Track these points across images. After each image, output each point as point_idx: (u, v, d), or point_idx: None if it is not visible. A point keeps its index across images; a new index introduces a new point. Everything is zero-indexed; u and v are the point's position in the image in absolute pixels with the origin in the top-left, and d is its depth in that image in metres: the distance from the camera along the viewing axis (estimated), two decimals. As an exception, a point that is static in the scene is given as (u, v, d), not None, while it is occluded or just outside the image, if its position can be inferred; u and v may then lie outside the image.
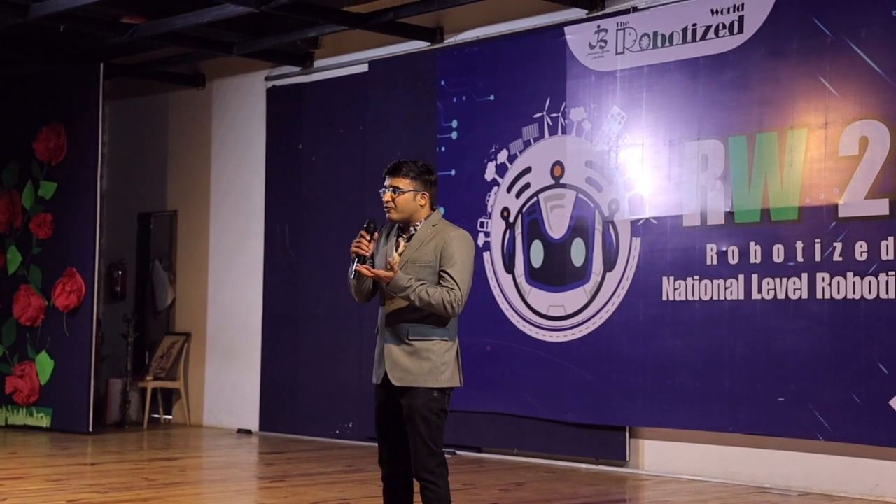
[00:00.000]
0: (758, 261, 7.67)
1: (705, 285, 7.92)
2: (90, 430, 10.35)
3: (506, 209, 9.04)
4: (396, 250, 4.81)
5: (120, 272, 12.31)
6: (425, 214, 4.83)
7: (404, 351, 4.76)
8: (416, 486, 4.85)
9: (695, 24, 8.02)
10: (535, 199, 8.88)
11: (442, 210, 9.32)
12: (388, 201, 4.80)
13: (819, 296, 7.39)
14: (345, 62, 10.39)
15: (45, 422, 10.75)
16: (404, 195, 4.78)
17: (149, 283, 12.18)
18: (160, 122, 12.12)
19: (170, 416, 11.73)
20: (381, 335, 4.85)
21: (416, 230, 4.81)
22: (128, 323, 11.45)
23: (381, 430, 4.90)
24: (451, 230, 4.81)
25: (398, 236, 4.86)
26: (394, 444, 4.84)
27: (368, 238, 4.78)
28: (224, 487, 7.99)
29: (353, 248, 4.78)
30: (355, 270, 4.78)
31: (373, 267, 4.83)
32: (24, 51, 11.06)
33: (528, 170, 8.92)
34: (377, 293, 4.90)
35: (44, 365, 10.80)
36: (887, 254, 7.13)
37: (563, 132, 8.72)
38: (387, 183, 4.81)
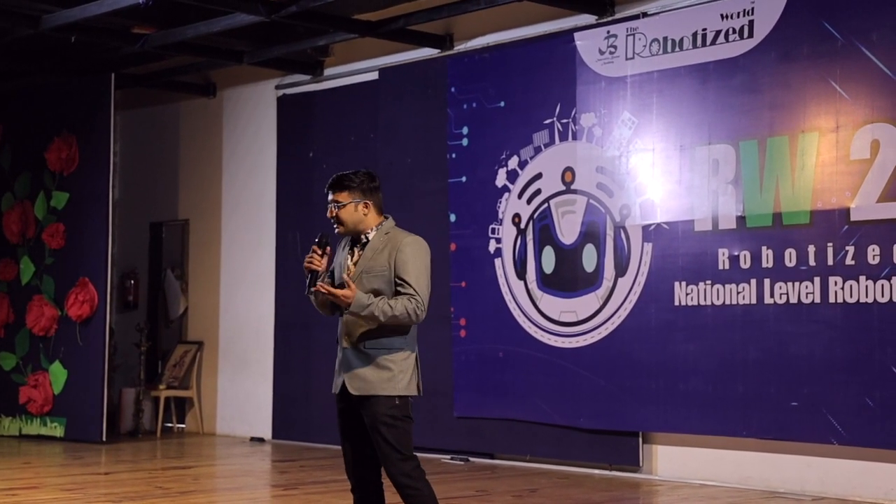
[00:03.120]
0: (770, 265, 7.66)
1: (717, 290, 7.91)
2: (104, 439, 10.35)
3: (517, 215, 9.05)
4: (350, 259, 4.81)
5: (132, 281, 12.33)
6: (374, 223, 4.83)
7: (362, 361, 4.75)
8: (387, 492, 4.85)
9: (705, 29, 8.02)
10: (546, 205, 8.88)
11: (450, 217, 9.34)
12: (331, 217, 4.83)
13: (832, 300, 7.37)
14: (355, 70, 10.41)
15: (58, 431, 10.77)
16: (345, 208, 4.80)
17: (161, 292, 12.19)
18: (171, 131, 12.15)
19: (183, 425, 11.74)
20: (340, 345, 4.84)
21: (367, 239, 4.81)
22: (140, 332, 11.46)
23: (343, 438, 4.88)
24: (404, 237, 4.80)
25: (352, 247, 4.86)
26: (357, 453, 4.83)
27: (321, 253, 4.79)
28: (238, 496, 7.99)
29: (306, 264, 4.79)
30: (310, 284, 4.77)
31: (332, 280, 4.85)
32: (36, 62, 11.11)
33: (538, 176, 8.92)
34: (338, 306, 4.87)
35: (57, 375, 10.82)
36: (900, 257, 7.12)
37: (574, 138, 8.73)
38: (329, 199, 4.84)
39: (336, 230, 4.87)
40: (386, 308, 4.65)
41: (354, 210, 4.81)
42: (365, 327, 4.74)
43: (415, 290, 4.69)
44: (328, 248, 4.83)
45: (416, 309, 4.68)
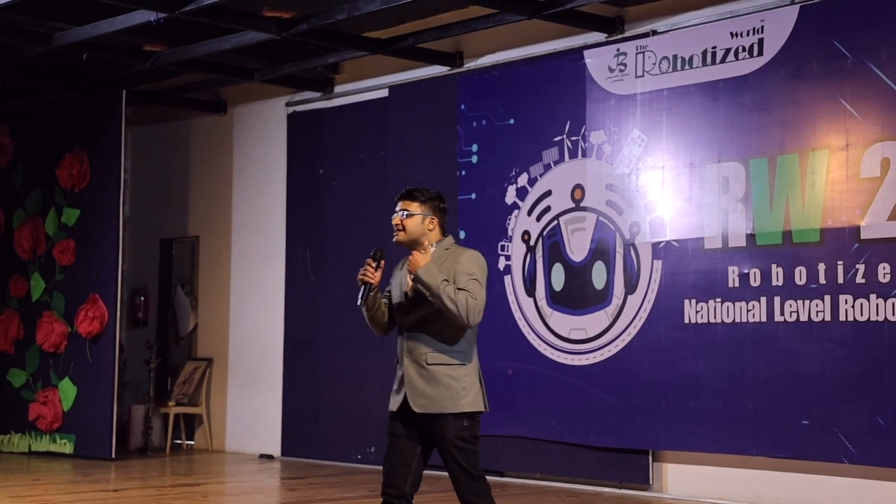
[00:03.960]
0: (780, 283, 7.64)
1: (727, 308, 7.89)
2: (113, 456, 10.35)
3: (526, 232, 9.05)
4: (409, 276, 4.84)
5: (142, 298, 12.34)
6: (435, 239, 4.90)
7: (423, 377, 4.80)
8: None
9: (714, 47, 8.03)
10: (555, 222, 8.88)
11: (459, 234, 9.34)
12: (396, 224, 4.90)
13: (842, 318, 7.35)
14: (365, 87, 10.43)
15: (68, 448, 10.77)
16: (413, 218, 4.88)
17: (171, 309, 12.20)
18: (182, 148, 12.18)
19: (192, 442, 11.73)
20: (400, 362, 4.90)
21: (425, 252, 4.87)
22: (150, 349, 11.47)
23: (390, 452, 4.89)
24: (464, 251, 4.90)
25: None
26: (401, 468, 4.85)
27: (375, 266, 4.85)
28: (247, 513, 8.00)
29: (360, 276, 4.85)
30: (362, 296, 4.84)
31: (389, 301, 4.93)
32: (48, 79, 11.15)
33: (548, 193, 8.92)
34: (394, 326, 4.96)
35: (67, 391, 10.83)
36: (910, 275, 7.10)
37: (584, 155, 8.73)
38: (398, 207, 4.92)
39: (395, 237, 4.93)
40: (451, 291, 4.71)
41: (421, 222, 4.89)
42: (426, 346, 4.80)
43: (475, 295, 4.76)
44: (382, 261, 4.90)
45: (475, 308, 4.74)
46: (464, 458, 4.76)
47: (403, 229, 4.89)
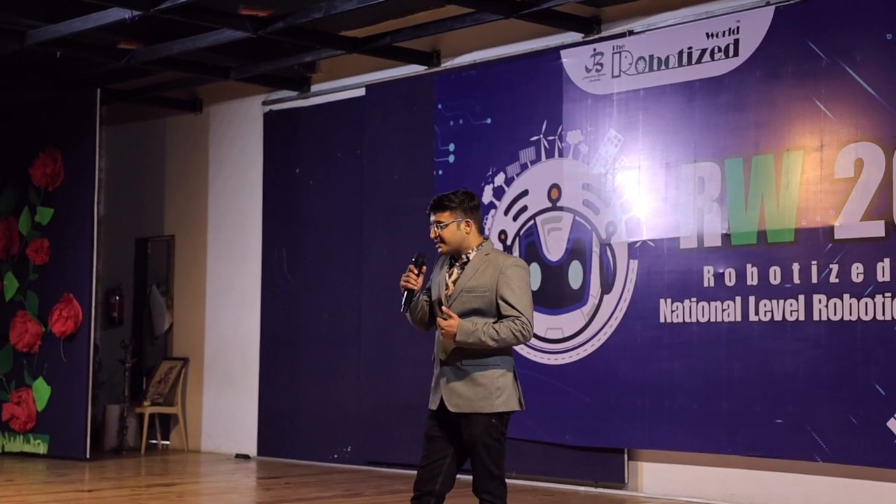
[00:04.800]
0: (755, 283, 7.68)
1: (703, 307, 7.92)
2: (87, 456, 10.29)
3: (503, 232, 9.05)
4: (449, 277, 4.93)
5: (117, 297, 12.28)
6: (476, 242, 4.95)
7: (458, 377, 4.87)
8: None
9: (690, 48, 8.06)
10: (532, 221, 8.89)
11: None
12: (435, 237, 4.95)
13: (816, 317, 7.39)
14: (342, 86, 10.41)
15: (42, 448, 10.70)
16: (448, 228, 4.91)
17: (146, 309, 12.15)
18: (157, 147, 12.12)
19: (167, 442, 11.68)
20: (437, 362, 4.96)
21: (468, 258, 4.93)
22: (125, 348, 11.41)
23: (428, 452, 4.95)
24: (505, 258, 4.94)
25: (451, 265, 4.98)
26: (436, 466, 4.92)
27: (417, 272, 4.92)
28: (222, 513, 7.97)
29: (403, 283, 4.93)
30: (406, 303, 4.92)
31: (429, 297, 5.00)
32: (21, 77, 11.07)
33: (525, 193, 8.93)
34: (434, 322, 5.02)
35: (41, 391, 10.76)
36: (883, 275, 7.14)
37: (560, 155, 8.74)
38: (431, 219, 4.95)
39: (439, 250, 4.98)
40: (492, 332, 4.79)
41: (457, 229, 4.92)
42: (461, 346, 4.84)
43: (519, 311, 4.81)
44: (424, 267, 4.96)
45: (522, 329, 4.81)
46: (488, 455, 4.84)
47: (444, 241, 4.93)
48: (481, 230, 5.00)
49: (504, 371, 4.89)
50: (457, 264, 4.96)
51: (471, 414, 4.84)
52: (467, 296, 4.85)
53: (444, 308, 4.87)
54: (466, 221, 4.92)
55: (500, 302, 4.82)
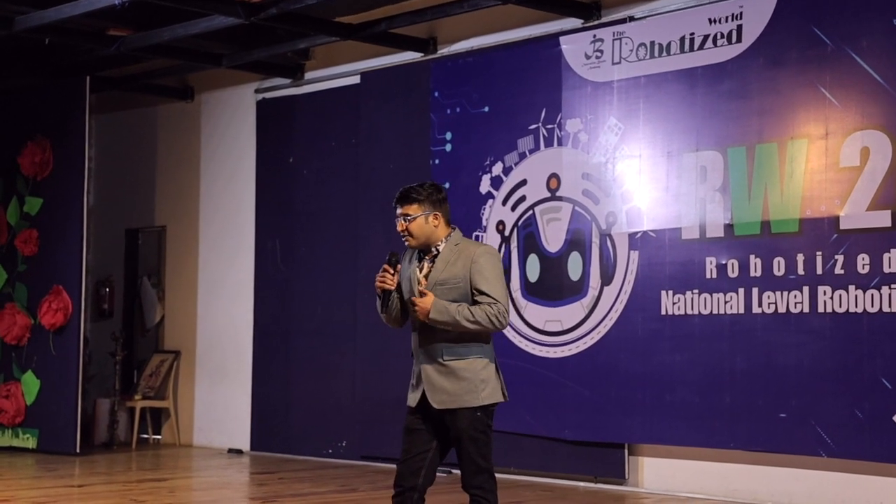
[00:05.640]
0: (758, 274, 7.56)
1: (705, 299, 7.81)
2: (77, 451, 10.21)
3: (501, 223, 8.93)
4: (420, 272, 4.86)
5: (107, 289, 12.20)
6: (444, 234, 4.89)
7: (440, 372, 4.80)
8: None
9: (692, 34, 7.92)
10: (530, 212, 8.76)
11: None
12: (402, 231, 4.88)
13: (820, 309, 7.29)
14: (336, 74, 10.30)
15: (31, 443, 10.61)
16: (416, 221, 4.84)
17: (137, 301, 12.07)
18: (148, 135, 12.01)
19: (159, 436, 11.60)
20: (416, 358, 4.89)
21: (438, 251, 4.87)
22: (116, 341, 11.31)
23: (408, 447, 4.89)
24: (476, 247, 4.88)
25: (420, 259, 4.91)
26: (418, 463, 4.86)
27: (392, 272, 4.86)
28: (215, 509, 7.88)
29: (378, 284, 4.87)
30: (384, 304, 4.87)
31: (400, 294, 4.93)
32: (9, 64, 10.98)
33: (523, 182, 8.81)
34: (408, 318, 4.95)
35: (30, 385, 10.67)
36: (890, 266, 7.04)
37: (559, 144, 8.62)
38: (398, 212, 4.88)
39: (406, 243, 4.91)
40: (467, 313, 4.72)
41: (425, 222, 4.85)
42: (441, 340, 4.78)
43: (494, 297, 4.75)
44: (399, 265, 4.90)
45: (498, 315, 4.74)
46: (475, 449, 4.79)
47: (411, 235, 4.86)
48: (449, 222, 4.92)
49: (487, 362, 4.83)
50: (427, 258, 4.89)
51: (456, 409, 4.78)
52: (441, 289, 4.78)
53: (420, 289, 4.79)
54: (434, 214, 4.85)
55: (475, 291, 4.76)
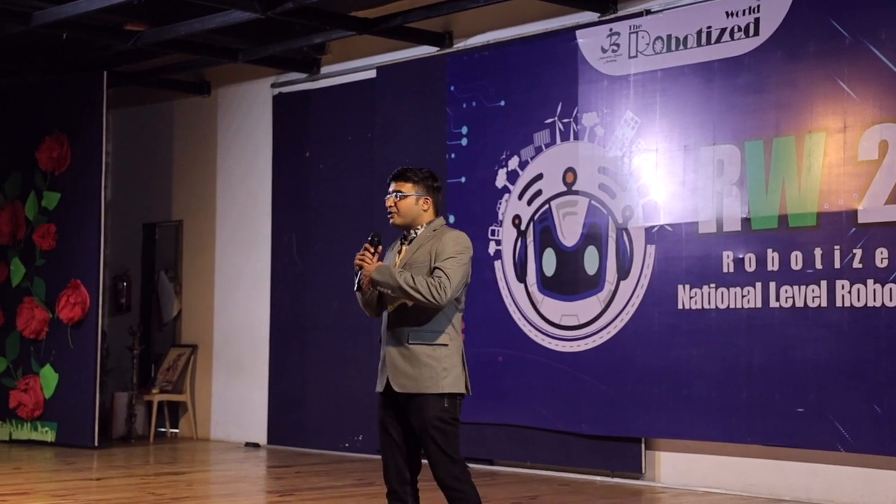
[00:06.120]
0: (775, 268, 7.53)
1: (722, 293, 7.77)
2: (95, 444, 10.23)
3: (517, 217, 8.91)
4: (399, 255, 4.86)
5: (125, 283, 12.22)
6: (428, 219, 4.85)
7: (404, 356, 4.76)
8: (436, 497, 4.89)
9: (709, 27, 7.88)
10: (547, 206, 8.74)
11: (448, 219, 9.20)
12: (390, 206, 4.84)
13: (839, 304, 7.25)
14: (352, 68, 10.29)
15: (49, 436, 10.64)
16: (406, 199, 4.81)
17: (154, 295, 12.08)
18: (165, 130, 12.02)
19: (176, 430, 11.62)
20: (384, 341, 4.87)
21: (416, 234, 4.84)
22: (133, 335, 11.34)
23: (383, 438, 4.87)
24: (449, 232, 4.83)
25: (401, 245, 4.90)
26: (397, 454, 4.82)
27: (372, 251, 4.82)
28: (232, 502, 7.89)
29: (357, 262, 4.82)
30: (359, 282, 4.83)
31: None
32: (26, 59, 11.00)
33: (539, 176, 8.78)
34: (385, 307, 4.91)
35: (48, 378, 10.70)
36: (908, 260, 6.99)
37: (576, 138, 8.59)
38: (391, 188, 4.85)
39: (391, 220, 4.87)
40: (407, 278, 4.66)
41: (415, 203, 4.83)
42: (408, 324, 4.74)
43: (444, 273, 4.69)
44: (380, 247, 4.86)
45: (438, 287, 4.67)
46: (443, 440, 4.69)
47: (398, 212, 4.82)
48: (438, 212, 4.90)
49: (451, 352, 4.78)
50: (406, 242, 4.87)
51: (418, 395, 4.72)
52: (409, 269, 4.75)
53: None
54: (426, 198, 4.83)
55: (433, 268, 4.72)
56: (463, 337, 4.97)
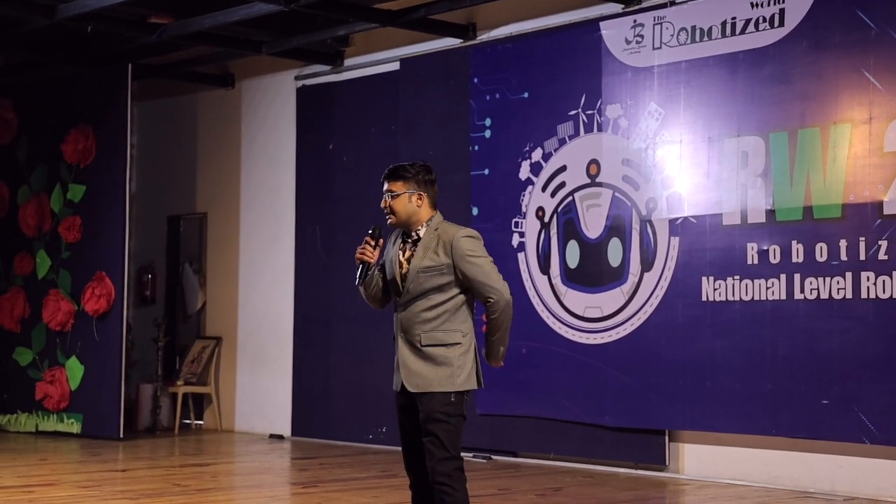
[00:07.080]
0: (800, 260, 7.49)
1: (746, 285, 7.74)
2: (121, 435, 10.28)
3: (541, 209, 8.89)
4: (402, 255, 4.79)
5: (150, 276, 12.26)
6: (426, 216, 4.79)
7: (419, 357, 4.72)
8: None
9: (734, 18, 7.84)
10: (570, 198, 8.72)
11: (472, 211, 9.20)
12: (385, 207, 4.79)
13: (864, 295, 7.21)
14: (375, 60, 10.28)
15: (75, 428, 10.69)
16: (399, 198, 4.76)
17: (179, 287, 12.12)
18: (189, 122, 12.05)
19: (201, 422, 11.66)
20: (397, 342, 4.82)
21: (419, 235, 4.78)
22: (158, 327, 11.38)
23: (403, 436, 4.85)
24: (455, 230, 4.76)
25: (404, 241, 4.83)
26: (416, 449, 4.78)
27: (373, 244, 4.79)
28: (257, 493, 7.90)
29: (358, 255, 4.79)
30: (361, 276, 4.80)
31: (383, 273, 4.85)
32: (52, 52, 11.02)
33: (563, 168, 8.77)
34: (390, 299, 4.88)
35: (74, 370, 10.75)
36: (934, 252, 6.95)
37: (599, 130, 8.57)
38: (384, 189, 4.80)
39: (388, 221, 4.82)
40: (503, 333, 4.76)
41: (408, 201, 4.76)
42: (420, 323, 4.71)
43: (490, 284, 4.68)
44: (381, 239, 4.81)
45: (500, 300, 4.70)
46: (443, 433, 4.62)
47: (393, 212, 4.78)
48: (434, 205, 4.82)
49: (465, 349, 4.72)
50: (409, 241, 4.79)
51: (429, 392, 4.68)
52: (424, 275, 4.69)
53: (401, 269, 4.73)
54: (419, 194, 4.76)
55: (469, 281, 4.67)
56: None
